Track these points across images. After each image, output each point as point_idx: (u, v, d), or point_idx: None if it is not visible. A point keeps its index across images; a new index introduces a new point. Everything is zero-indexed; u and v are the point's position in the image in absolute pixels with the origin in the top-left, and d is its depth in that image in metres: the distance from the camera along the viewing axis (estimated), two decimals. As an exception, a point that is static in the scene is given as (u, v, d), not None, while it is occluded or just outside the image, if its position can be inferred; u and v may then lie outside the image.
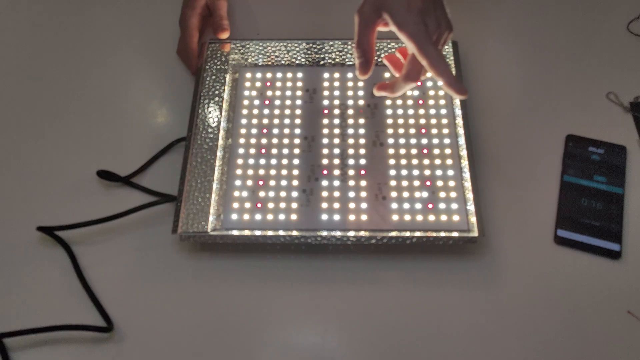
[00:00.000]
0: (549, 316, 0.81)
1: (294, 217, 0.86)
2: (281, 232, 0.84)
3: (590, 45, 1.06)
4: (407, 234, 0.83)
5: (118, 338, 0.80)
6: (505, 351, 0.79)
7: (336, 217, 0.86)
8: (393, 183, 0.88)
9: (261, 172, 0.89)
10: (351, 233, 0.84)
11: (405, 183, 0.88)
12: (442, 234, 0.83)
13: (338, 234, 0.84)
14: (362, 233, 0.84)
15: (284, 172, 0.89)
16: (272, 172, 0.89)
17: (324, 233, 0.84)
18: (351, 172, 0.89)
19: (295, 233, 0.84)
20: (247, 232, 0.84)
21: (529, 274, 0.84)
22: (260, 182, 0.89)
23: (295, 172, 0.89)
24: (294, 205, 0.87)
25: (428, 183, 0.88)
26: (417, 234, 0.83)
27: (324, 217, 0.86)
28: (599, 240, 0.85)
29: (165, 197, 0.89)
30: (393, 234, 0.83)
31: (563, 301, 0.82)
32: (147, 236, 0.88)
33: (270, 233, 0.84)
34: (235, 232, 0.84)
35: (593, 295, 0.82)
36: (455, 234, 0.83)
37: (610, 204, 0.88)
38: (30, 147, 0.97)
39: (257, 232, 0.84)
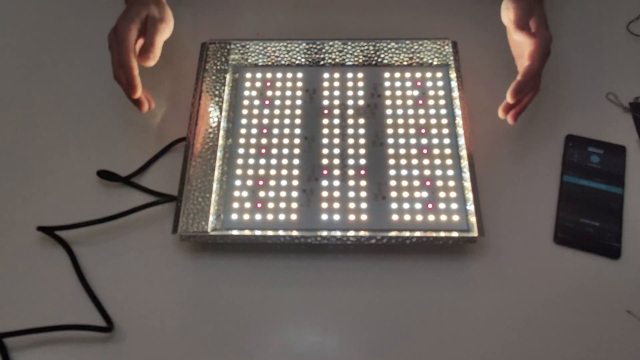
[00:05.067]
0: (549, 316, 0.81)
1: (294, 217, 0.86)
2: (281, 232, 0.84)
3: (590, 45, 1.06)
4: (407, 233, 0.84)
5: (118, 338, 0.80)
6: (505, 351, 0.79)
7: (336, 217, 0.86)
8: (393, 183, 0.88)
9: (261, 172, 0.90)
10: (351, 233, 0.84)
11: (405, 183, 0.88)
12: (442, 234, 0.84)
13: (338, 233, 0.84)
14: (362, 233, 0.84)
15: (284, 172, 0.90)
16: (272, 172, 0.90)
17: (324, 233, 0.84)
18: (351, 172, 0.89)
19: (295, 233, 0.84)
20: (247, 232, 0.84)
21: (529, 273, 0.84)
22: (261, 182, 0.89)
23: (295, 172, 0.90)
24: (294, 205, 0.87)
25: (428, 183, 0.88)
26: (417, 233, 0.83)
27: (324, 217, 0.86)
28: (599, 240, 0.86)
29: (166, 197, 0.89)
30: (393, 233, 0.84)
31: (563, 300, 0.82)
32: (148, 236, 0.88)
33: (270, 233, 0.84)
34: (235, 232, 0.85)
35: (593, 294, 0.82)
36: (455, 234, 0.83)
37: (609, 204, 0.88)
38: (31, 147, 0.97)
39: (257, 232, 0.84)
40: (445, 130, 0.93)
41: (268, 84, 0.98)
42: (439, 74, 0.98)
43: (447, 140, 0.92)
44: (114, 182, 0.92)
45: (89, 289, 0.83)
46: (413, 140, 0.92)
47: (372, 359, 0.79)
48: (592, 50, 1.05)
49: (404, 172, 0.89)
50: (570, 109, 0.98)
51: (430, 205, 0.86)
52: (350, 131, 0.93)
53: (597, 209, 0.88)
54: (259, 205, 0.87)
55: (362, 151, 0.91)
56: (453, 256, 0.86)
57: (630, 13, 1.09)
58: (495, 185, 0.91)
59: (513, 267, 0.85)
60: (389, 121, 0.94)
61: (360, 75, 0.99)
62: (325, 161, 0.90)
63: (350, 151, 0.91)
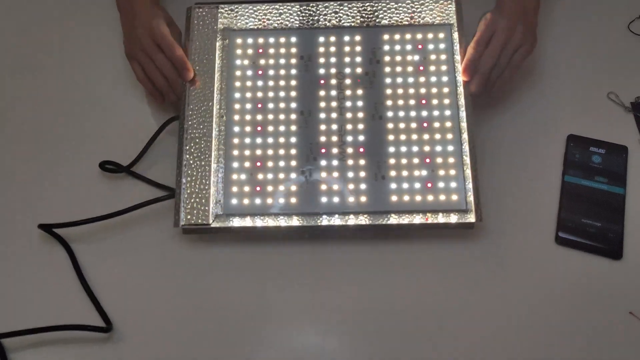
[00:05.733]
0: (551, 316, 0.83)
1: (293, 200, 0.85)
2: (281, 221, 0.84)
3: (591, 45, 1.03)
4: (406, 220, 0.83)
5: (117, 338, 0.81)
6: (506, 351, 0.81)
7: (335, 199, 0.85)
8: (392, 161, 0.87)
9: (258, 152, 0.87)
10: (351, 216, 0.84)
11: (404, 161, 0.87)
12: (441, 219, 0.84)
13: (337, 219, 0.84)
14: (361, 216, 0.84)
15: (282, 151, 0.87)
16: (270, 152, 0.87)
17: (324, 216, 0.84)
18: (350, 150, 0.87)
19: (295, 218, 0.84)
20: (248, 223, 0.84)
21: (530, 274, 0.85)
22: (258, 164, 0.87)
23: (293, 151, 0.87)
24: (293, 188, 0.85)
25: (427, 160, 0.86)
26: (416, 219, 0.83)
27: (324, 199, 0.85)
28: (601, 240, 0.86)
29: (166, 190, 0.88)
30: (393, 219, 0.83)
31: (564, 302, 0.83)
32: (147, 232, 0.87)
33: (271, 223, 0.83)
34: (236, 224, 0.84)
35: (594, 295, 0.84)
36: (453, 219, 0.83)
37: (611, 204, 0.88)
38: (28, 144, 0.95)
39: (258, 222, 0.84)
40: (447, 101, 0.90)
41: (260, 50, 0.92)
42: (441, 35, 0.93)
43: (447, 112, 0.89)
44: (116, 174, 0.91)
45: (88, 288, 0.82)
46: (413, 113, 0.89)
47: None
48: (593, 50, 1.02)
49: (403, 148, 0.87)
50: (572, 109, 0.97)
51: (429, 184, 0.85)
52: (348, 104, 0.90)
53: (599, 209, 0.88)
54: (258, 188, 0.85)
55: (360, 126, 0.88)
56: (455, 257, 0.86)
57: (631, 12, 1.05)
58: (496, 186, 0.90)
59: (514, 267, 0.85)
60: (388, 91, 0.90)
61: (357, 38, 0.93)
62: (323, 138, 0.88)
63: (349, 126, 0.88)
